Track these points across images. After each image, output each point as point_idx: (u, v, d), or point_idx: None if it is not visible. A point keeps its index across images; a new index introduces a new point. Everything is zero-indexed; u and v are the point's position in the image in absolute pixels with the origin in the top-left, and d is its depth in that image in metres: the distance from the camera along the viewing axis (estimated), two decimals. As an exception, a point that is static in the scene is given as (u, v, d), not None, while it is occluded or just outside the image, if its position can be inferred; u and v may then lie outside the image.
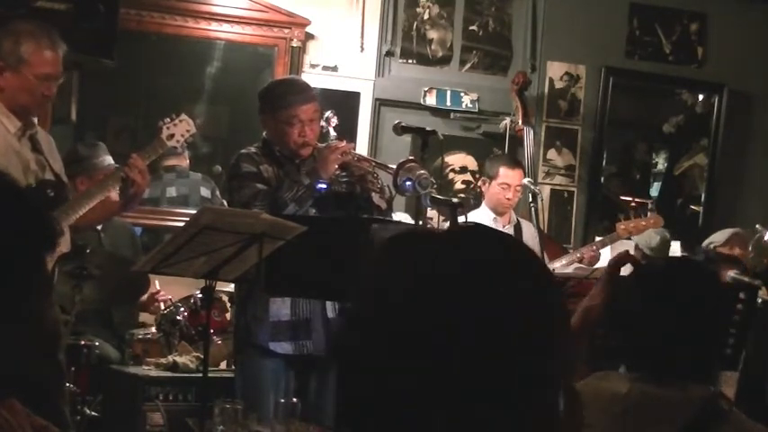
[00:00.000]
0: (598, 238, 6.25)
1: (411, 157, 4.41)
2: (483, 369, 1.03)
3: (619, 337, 2.28)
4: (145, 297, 5.30)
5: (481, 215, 5.73)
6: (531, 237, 5.76)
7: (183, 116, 4.17)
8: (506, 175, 5.71)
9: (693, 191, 7.40)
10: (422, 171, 4.11)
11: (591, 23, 6.92)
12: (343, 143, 4.43)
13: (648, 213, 6.90)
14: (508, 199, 5.71)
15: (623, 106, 7.12)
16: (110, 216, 4.41)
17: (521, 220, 5.86)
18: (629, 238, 6.09)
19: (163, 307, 5.23)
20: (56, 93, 3.98)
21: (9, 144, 3.81)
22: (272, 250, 3.68)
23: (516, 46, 6.89)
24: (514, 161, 5.94)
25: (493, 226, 5.63)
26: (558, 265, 5.63)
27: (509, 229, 5.77)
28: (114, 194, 4.20)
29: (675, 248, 6.32)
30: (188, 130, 4.17)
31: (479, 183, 6.11)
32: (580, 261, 5.70)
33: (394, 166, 4.17)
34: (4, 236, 1.41)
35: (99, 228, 5.05)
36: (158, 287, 5.31)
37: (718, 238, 6.31)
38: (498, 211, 5.74)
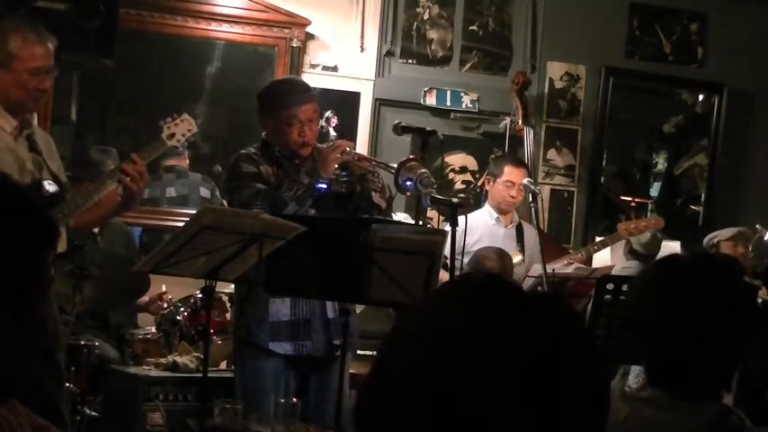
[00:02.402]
0: (599, 239, 6.25)
1: (412, 156, 4.42)
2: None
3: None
4: (147, 298, 5.29)
5: (484, 215, 5.73)
6: (531, 239, 5.76)
7: (185, 115, 4.14)
8: (511, 173, 5.72)
9: (693, 191, 7.40)
10: (423, 170, 4.12)
11: (591, 23, 6.92)
12: (343, 142, 4.43)
13: (649, 214, 6.92)
14: (512, 197, 5.72)
15: (623, 106, 7.12)
16: (109, 216, 4.39)
17: (522, 222, 5.86)
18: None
19: (165, 307, 5.22)
20: (50, 87, 3.96)
21: (5, 143, 3.80)
22: (271, 250, 3.68)
23: (516, 46, 6.89)
24: (519, 160, 5.97)
25: (495, 226, 5.70)
26: (557, 267, 5.63)
27: (511, 230, 5.77)
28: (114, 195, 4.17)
29: (675, 248, 6.32)
30: (189, 130, 4.13)
31: (483, 182, 6.12)
32: (579, 261, 5.69)
33: (395, 165, 4.18)
34: (5, 235, 1.41)
35: (95, 230, 5.02)
36: (164, 288, 5.30)
37: (723, 233, 6.32)
38: (501, 210, 5.74)
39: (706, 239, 6.39)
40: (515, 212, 5.87)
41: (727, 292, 2.02)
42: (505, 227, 5.75)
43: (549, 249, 5.62)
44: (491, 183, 5.81)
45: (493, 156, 6.33)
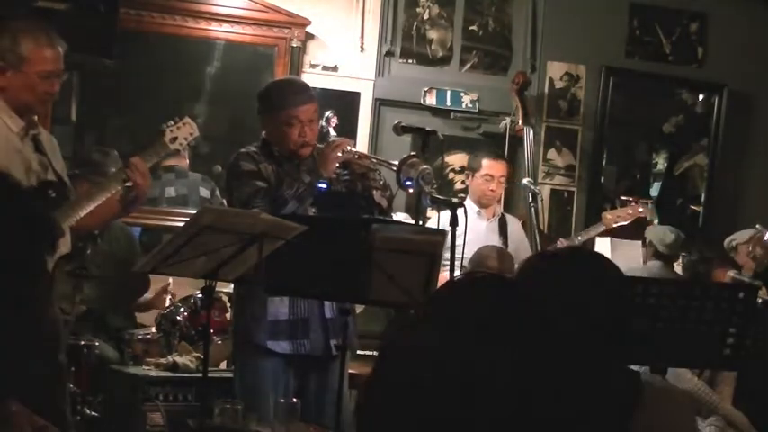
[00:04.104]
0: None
1: (413, 153, 4.42)
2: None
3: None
4: (152, 294, 5.28)
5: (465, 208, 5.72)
6: (516, 231, 5.77)
7: (187, 119, 4.15)
8: (489, 166, 5.74)
9: (693, 191, 7.39)
10: (425, 166, 4.12)
11: (591, 23, 6.92)
12: (343, 140, 4.43)
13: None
14: (492, 191, 5.74)
15: (623, 106, 7.12)
16: (111, 219, 4.39)
17: (506, 215, 5.86)
18: (644, 236, 6.06)
19: (169, 302, 5.22)
20: (58, 90, 3.96)
21: (11, 144, 3.80)
22: (272, 250, 3.68)
23: (516, 46, 6.89)
24: (497, 154, 5.99)
25: (476, 219, 5.69)
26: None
27: (493, 223, 5.76)
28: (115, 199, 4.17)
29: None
30: (191, 134, 4.15)
31: (463, 177, 6.11)
32: None
33: (396, 163, 4.18)
34: (5, 236, 1.41)
35: (96, 231, 5.02)
36: (170, 281, 5.28)
37: (740, 236, 6.27)
38: (482, 204, 5.75)
39: (726, 242, 6.34)
40: (498, 205, 5.87)
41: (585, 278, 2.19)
42: (487, 220, 5.75)
43: (549, 249, 5.61)
44: (470, 177, 5.82)
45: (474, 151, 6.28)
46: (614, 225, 5.97)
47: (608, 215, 6.01)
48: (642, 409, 2.16)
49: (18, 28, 3.86)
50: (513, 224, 5.82)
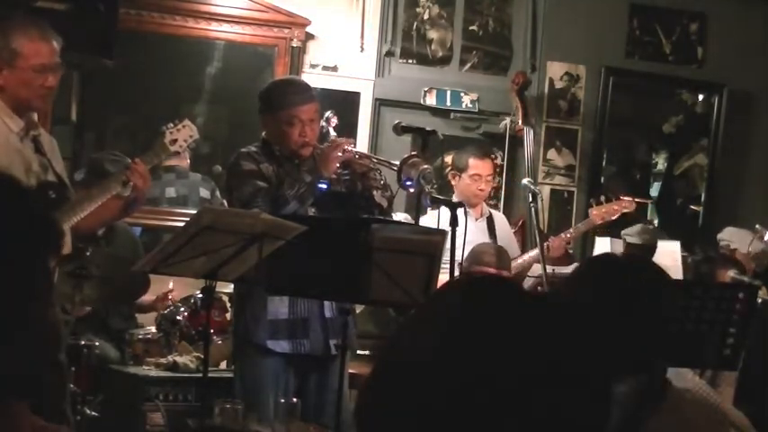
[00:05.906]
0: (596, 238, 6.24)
1: (414, 153, 4.42)
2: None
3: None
4: (153, 296, 5.28)
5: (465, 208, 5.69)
6: (503, 227, 5.74)
7: (186, 122, 4.17)
8: (476, 165, 5.67)
9: (693, 191, 7.39)
10: (425, 166, 4.12)
11: (591, 23, 6.92)
12: (343, 140, 4.44)
13: (649, 214, 6.88)
14: (481, 190, 5.67)
15: (623, 106, 7.12)
16: (111, 220, 4.40)
17: (492, 212, 5.84)
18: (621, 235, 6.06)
19: (168, 305, 5.22)
20: (57, 85, 3.96)
21: (12, 144, 3.80)
22: (271, 250, 3.68)
23: (516, 46, 6.89)
24: (483, 151, 5.91)
25: (465, 220, 5.67)
26: (528, 258, 5.60)
27: (481, 222, 5.72)
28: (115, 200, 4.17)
29: (675, 248, 6.31)
30: (191, 136, 4.16)
31: (448, 177, 6.02)
32: (548, 250, 5.60)
33: (397, 163, 4.18)
34: (7, 237, 1.41)
35: (99, 233, 5.03)
36: (171, 286, 5.29)
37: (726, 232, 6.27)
38: (471, 203, 5.64)
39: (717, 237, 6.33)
40: (484, 204, 5.83)
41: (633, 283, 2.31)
42: (476, 219, 5.69)
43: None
44: (457, 178, 5.73)
45: (458, 149, 6.21)
46: (601, 221, 5.94)
47: (594, 211, 5.99)
48: (658, 411, 2.14)
49: (9, 25, 3.85)
50: (500, 220, 5.78)
